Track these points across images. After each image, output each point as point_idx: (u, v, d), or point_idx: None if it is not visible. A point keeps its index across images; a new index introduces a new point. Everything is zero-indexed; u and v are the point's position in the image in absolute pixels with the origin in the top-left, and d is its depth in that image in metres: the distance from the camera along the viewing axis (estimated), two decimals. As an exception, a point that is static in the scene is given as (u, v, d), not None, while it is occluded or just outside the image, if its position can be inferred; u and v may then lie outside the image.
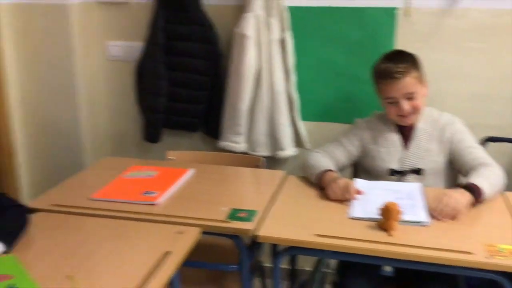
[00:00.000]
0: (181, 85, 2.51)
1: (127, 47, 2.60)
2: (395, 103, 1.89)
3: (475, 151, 1.89)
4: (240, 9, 2.41)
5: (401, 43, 2.28)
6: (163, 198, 1.78)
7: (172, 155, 2.30)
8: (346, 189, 1.76)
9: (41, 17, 2.48)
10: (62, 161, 2.66)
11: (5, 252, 1.42)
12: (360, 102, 2.41)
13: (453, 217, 1.63)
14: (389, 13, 2.31)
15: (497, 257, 1.44)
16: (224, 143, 2.49)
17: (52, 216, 1.68)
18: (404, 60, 1.88)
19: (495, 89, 2.29)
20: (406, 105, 1.87)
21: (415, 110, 1.89)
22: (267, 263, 2.14)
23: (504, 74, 2.27)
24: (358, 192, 1.79)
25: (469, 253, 1.46)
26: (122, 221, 1.64)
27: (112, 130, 2.75)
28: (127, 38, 2.60)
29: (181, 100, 2.53)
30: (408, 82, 1.85)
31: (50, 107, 2.60)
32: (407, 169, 1.94)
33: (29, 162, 2.67)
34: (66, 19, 2.46)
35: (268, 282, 2.18)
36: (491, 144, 2.29)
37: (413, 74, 1.87)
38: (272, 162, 2.50)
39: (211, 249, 2.03)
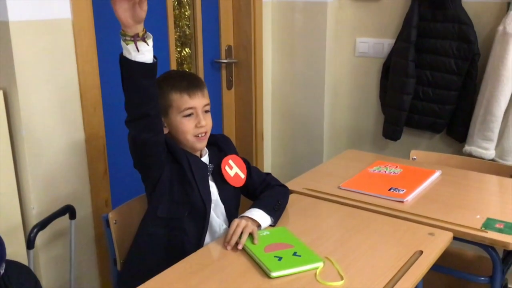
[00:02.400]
0: (429, 84, 2.44)
1: (376, 43, 2.63)
2: None
3: None
4: (503, 6, 2.24)
5: None
6: (411, 197, 1.77)
7: (415, 154, 2.26)
8: None
9: (300, 14, 2.67)
10: (303, 148, 2.84)
11: (270, 226, 1.57)
12: None
13: None
14: None
15: None
16: (470, 148, 2.35)
17: (305, 199, 1.80)
18: None
19: None
20: None
21: None
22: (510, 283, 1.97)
23: None
24: None
25: None
26: (370, 214, 1.68)
27: (350, 124, 2.82)
28: (376, 35, 2.62)
29: (427, 99, 2.46)
30: None
31: (299, 99, 2.79)
32: None
33: (275, 145, 2.91)
34: (323, 15, 2.60)
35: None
36: None
37: None
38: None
39: (455, 258, 1.94)
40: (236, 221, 1.48)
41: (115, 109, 2.06)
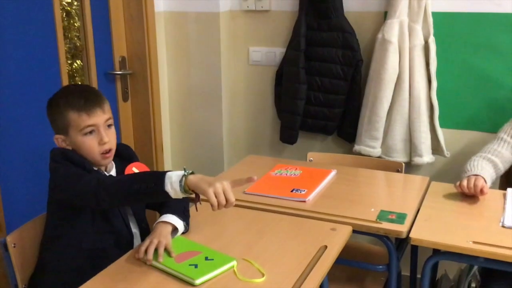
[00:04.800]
0: (319, 89, 2.59)
1: (268, 52, 2.74)
2: None
3: None
4: (380, 15, 2.45)
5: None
6: (312, 196, 1.87)
7: (311, 156, 2.38)
8: (474, 184, 1.80)
9: (193, 24, 2.70)
10: (204, 157, 2.86)
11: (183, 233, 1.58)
12: (504, 111, 2.32)
13: None
14: (542, 19, 2.22)
15: None
16: (359, 147, 2.53)
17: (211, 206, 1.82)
18: None
19: None
20: None
21: None
22: (404, 271, 2.15)
23: None
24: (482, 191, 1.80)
25: None
26: (276, 215, 1.75)
27: (249, 130, 2.90)
28: (268, 44, 2.73)
29: (318, 104, 2.61)
30: None
31: (197, 108, 2.81)
32: None
33: (175, 156, 2.90)
34: (216, 26, 2.65)
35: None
36: None
37: None
38: (407, 167, 2.49)
39: (353, 252, 2.08)
40: (148, 239, 1.47)
41: (5, 131, 1.95)
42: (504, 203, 1.80)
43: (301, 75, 2.56)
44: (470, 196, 1.85)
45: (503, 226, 1.65)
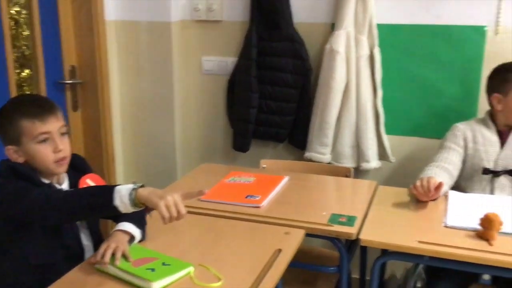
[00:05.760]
0: (271, 97, 2.65)
1: (220, 61, 2.77)
2: None
3: None
4: (328, 26, 2.54)
5: (490, 60, 2.32)
6: (266, 202, 1.91)
7: (264, 163, 2.43)
8: (426, 185, 1.84)
9: (145, 34, 2.70)
10: (157, 167, 2.86)
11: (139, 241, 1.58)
12: (445, 118, 2.44)
13: None
14: (477, 31, 2.37)
15: None
16: (310, 154, 2.60)
17: (167, 214, 1.84)
18: None
19: None
20: None
21: None
22: (354, 274, 2.23)
23: None
24: (437, 188, 1.84)
25: None
26: (231, 221, 1.78)
27: (202, 139, 2.92)
28: (220, 53, 2.77)
29: (270, 112, 2.66)
30: None
31: (149, 118, 2.81)
32: (501, 170, 2.02)
33: (128, 167, 2.88)
34: (168, 35, 2.67)
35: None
36: None
37: None
38: (355, 173, 2.58)
39: (305, 256, 2.14)
40: (105, 244, 1.46)
41: None
42: (447, 205, 1.90)
43: (253, 84, 2.61)
44: (416, 199, 1.93)
45: (445, 226, 1.75)
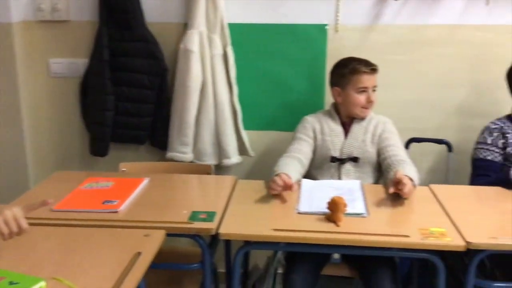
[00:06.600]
0: (128, 99, 2.59)
1: (70, 63, 2.65)
2: (365, 92, 2.19)
3: (396, 150, 2.17)
4: (181, 26, 2.55)
5: (332, 56, 2.51)
6: (124, 206, 1.87)
7: (124, 166, 2.37)
8: (273, 181, 1.93)
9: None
10: (5, 179, 2.64)
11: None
12: (297, 111, 2.57)
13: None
14: (320, 29, 2.55)
15: (430, 238, 1.67)
16: (171, 154, 2.59)
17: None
18: (372, 63, 2.23)
19: (417, 96, 2.58)
20: (373, 96, 2.20)
21: (372, 104, 2.22)
22: (219, 269, 2.27)
23: (424, 82, 2.57)
24: (286, 185, 1.92)
25: (406, 236, 1.68)
26: (88, 229, 1.71)
27: (56, 145, 2.76)
28: (70, 55, 2.64)
29: (128, 114, 2.60)
30: (376, 78, 2.23)
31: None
32: (346, 157, 2.20)
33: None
34: (9, 37, 2.48)
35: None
36: (414, 144, 2.58)
37: (376, 75, 2.23)
38: (218, 169, 2.64)
39: (170, 256, 2.13)
40: None
41: None
42: (300, 192, 2.02)
43: (107, 86, 2.53)
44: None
45: (298, 213, 1.85)
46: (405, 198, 1.91)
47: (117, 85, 2.58)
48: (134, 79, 2.57)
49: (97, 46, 2.54)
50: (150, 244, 1.61)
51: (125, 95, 2.59)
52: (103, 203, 1.88)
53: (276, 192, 1.94)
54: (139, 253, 1.54)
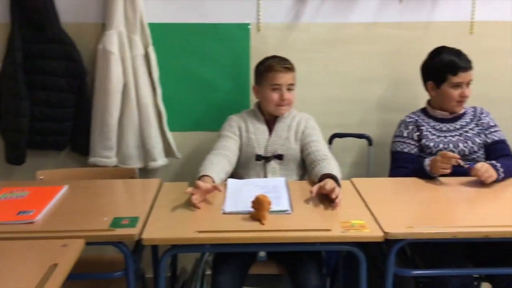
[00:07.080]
0: (45, 103, 2.48)
1: (-20, 67, 2.50)
2: (278, 90, 2.19)
3: (319, 145, 2.21)
4: (99, 26, 2.47)
5: (255, 55, 2.52)
6: (40, 216, 1.78)
7: (42, 174, 2.27)
8: (199, 187, 1.88)
9: None
10: None
11: None
12: (222, 111, 2.55)
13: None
14: (242, 28, 2.55)
15: (351, 231, 1.71)
16: (94, 159, 2.51)
17: None
18: (289, 61, 2.24)
19: (338, 93, 2.65)
20: (287, 94, 2.20)
21: (289, 102, 2.23)
22: (148, 274, 2.22)
23: (344, 79, 2.64)
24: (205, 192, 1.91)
25: (327, 230, 1.71)
26: (1, 242, 1.61)
27: (-32, 155, 2.60)
28: (-20, 58, 2.49)
29: (46, 119, 2.49)
30: (291, 76, 2.23)
31: None
32: (270, 155, 2.21)
33: None
34: None
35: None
36: (337, 139, 2.64)
37: (293, 73, 2.25)
38: (145, 172, 2.58)
39: (94, 265, 2.06)
40: None
41: None
42: (225, 193, 2.01)
43: (21, 91, 2.41)
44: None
45: (224, 213, 1.84)
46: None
47: (32, 89, 2.46)
48: (51, 82, 2.46)
49: (9, 49, 2.41)
50: (68, 255, 1.54)
51: (42, 99, 2.47)
52: (18, 213, 1.79)
53: (197, 203, 1.87)
54: (55, 265, 1.48)
